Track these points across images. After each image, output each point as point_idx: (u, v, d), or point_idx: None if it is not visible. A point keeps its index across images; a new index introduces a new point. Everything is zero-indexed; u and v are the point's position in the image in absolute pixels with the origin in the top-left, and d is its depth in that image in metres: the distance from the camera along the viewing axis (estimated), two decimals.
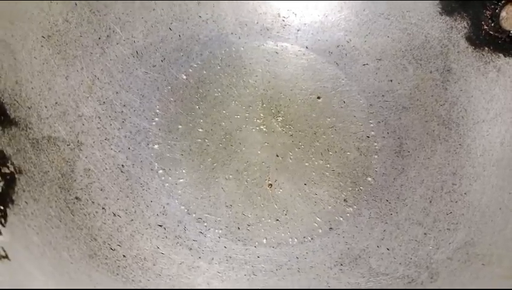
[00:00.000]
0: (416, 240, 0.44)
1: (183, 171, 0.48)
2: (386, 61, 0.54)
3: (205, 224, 0.46)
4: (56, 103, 0.46)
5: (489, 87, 0.48)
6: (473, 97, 0.49)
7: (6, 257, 0.33)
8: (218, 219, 0.46)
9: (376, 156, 0.50)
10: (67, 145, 0.44)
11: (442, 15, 0.52)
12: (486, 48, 0.49)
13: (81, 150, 0.45)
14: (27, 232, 0.36)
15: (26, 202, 0.38)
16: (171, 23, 0.55)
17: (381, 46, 0.55)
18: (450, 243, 0.42)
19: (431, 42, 0.52)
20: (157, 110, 0.51)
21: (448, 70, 0.51)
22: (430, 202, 0.46)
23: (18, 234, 0.35)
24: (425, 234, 0.44)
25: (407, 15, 0.54)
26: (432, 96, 0.51)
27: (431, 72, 0.52)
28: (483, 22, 0.49)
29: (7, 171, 0.38)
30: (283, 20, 0.57)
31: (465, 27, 0.50)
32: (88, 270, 0.37)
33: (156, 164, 0.48)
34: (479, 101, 0.48)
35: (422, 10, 0.53)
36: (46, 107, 0.45)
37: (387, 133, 0.51)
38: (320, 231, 0.46)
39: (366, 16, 0.56)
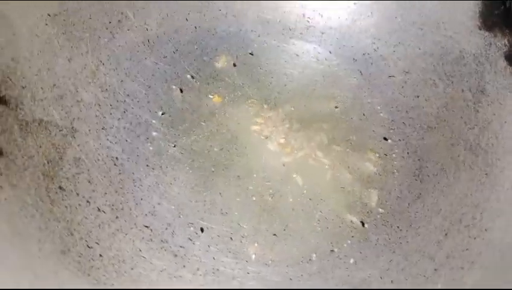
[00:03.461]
0: (424, 276, 0.39)
1: (181, 170, 0.45)
2: (415, 75, 0.51)
3: (196, 230, 0.42)
4: (54, 85, 0.43)
5: None
6: (507, 123, 0.45)
7: None
8: (211, 226, 0.42)
9: (392, 177, 0.46)
10: (60, 130, 0.42)
11: (481, 29, 0.48)
12: None
13: (74, 137, 0.43)
14: None
15: (1, 186, 0.35)
16: (188, 14, 0.52)
17: (411, 58, 0.51)
18: (461, 284, 0.37)
19: (466, 58, 0.48)
20: (162, 104, 0.48)
21: (481, 91, 0.47)
22: (446, 234, 0.41)
23: None
24: (435, 270, 0.40)
25: (442, 26, 0.50)
26: (461, 117, 0.47)
27: (463, 91, 0.48)
28: None
29: None
30: (308, 21, 0.54)
31: (505, 45, 0.46)
32: (56, 267, 0.34)
33: (153, 160, 0.45)
34: None
35: (460, 23, 0.49)
36: (42, 88, 0.42)
37: (408, 153, 0.47)
38: (320, 252, 0.42)
39: (397, 23, 0.52)
